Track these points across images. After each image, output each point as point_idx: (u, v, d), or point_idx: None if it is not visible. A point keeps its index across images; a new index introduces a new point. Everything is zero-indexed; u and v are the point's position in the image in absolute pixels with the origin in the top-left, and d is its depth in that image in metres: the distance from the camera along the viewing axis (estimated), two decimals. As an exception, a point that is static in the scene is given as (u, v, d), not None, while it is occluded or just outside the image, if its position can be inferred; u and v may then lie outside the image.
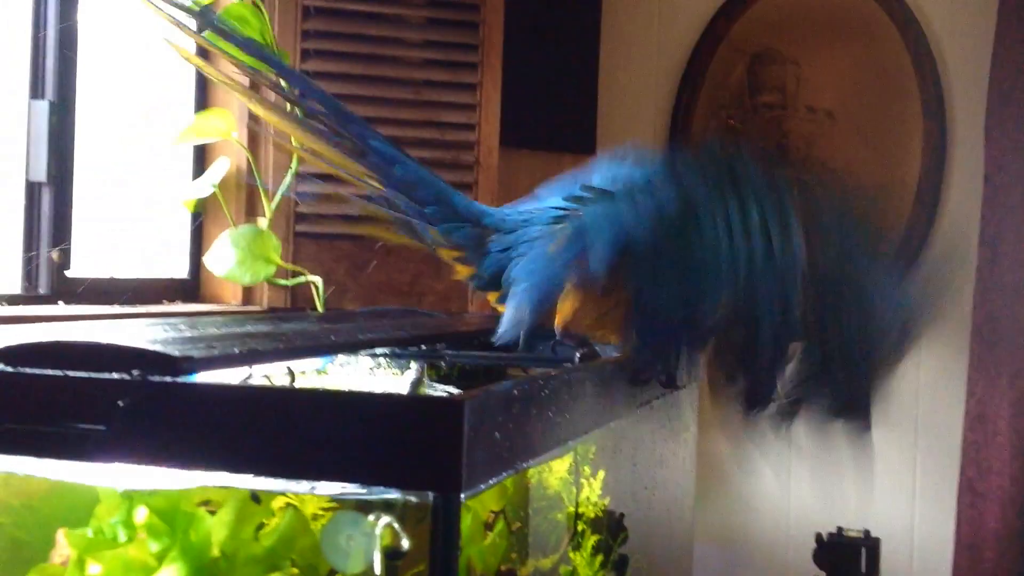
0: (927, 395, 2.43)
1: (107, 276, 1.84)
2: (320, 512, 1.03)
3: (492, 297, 1.17)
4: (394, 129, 2.01)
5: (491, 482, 0.76)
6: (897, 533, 2.41)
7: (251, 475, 0.73)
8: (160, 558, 0.91)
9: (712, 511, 2.52)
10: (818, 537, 2.23)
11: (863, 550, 2.18)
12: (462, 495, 0.71)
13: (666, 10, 2.62)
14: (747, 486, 2.56)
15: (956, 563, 2.28)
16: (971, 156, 2.36)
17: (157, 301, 1.92)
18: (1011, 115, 2.21)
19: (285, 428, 0.73)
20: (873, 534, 2.21)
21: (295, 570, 0.98)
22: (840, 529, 2.24)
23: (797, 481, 2.52)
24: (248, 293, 2.02)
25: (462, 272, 1.18)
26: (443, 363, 1.49)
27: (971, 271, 2.28)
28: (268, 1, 1.95)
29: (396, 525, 0.76)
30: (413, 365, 1.50)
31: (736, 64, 2.54)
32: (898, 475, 2.45)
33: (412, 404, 0.72)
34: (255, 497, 0.92)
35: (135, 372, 0.76)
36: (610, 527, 1.31)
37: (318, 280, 1.92)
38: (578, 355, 1.07)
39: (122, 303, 1.81)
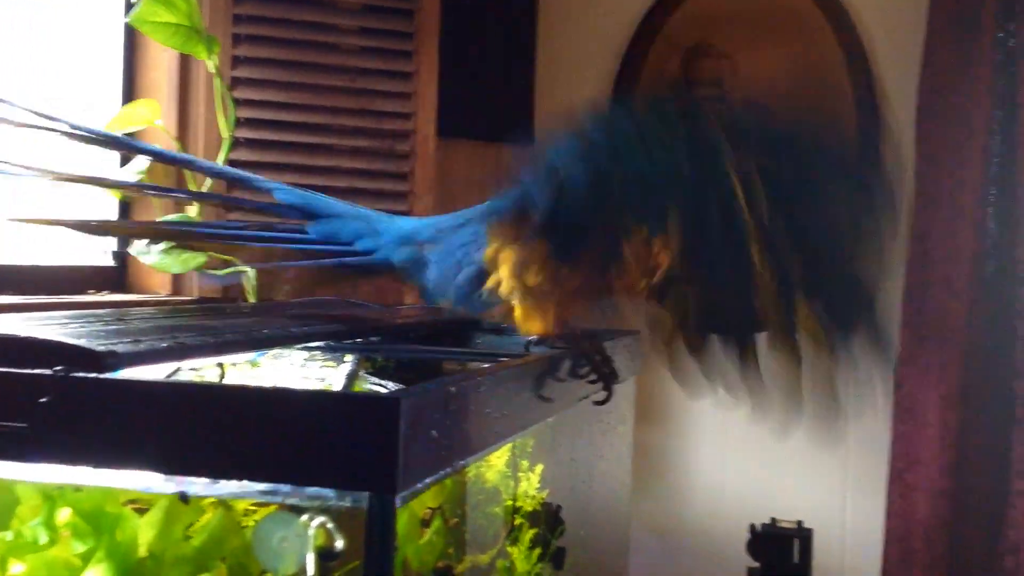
0: (858, 386, 2.45)
1: (28, 264, 1.78)
2: (251, 508, 1.01)
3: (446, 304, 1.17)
4: (328, 117, 1.98)
5: (428, 481, 0.74)
6: (829, 524, 2.44)
7: (180, 475, 0.71)
8: (86, 559, 0.88)
9: (648, 502, 2.53)
10: (752, 528, 2.24)
11: (796, 541, 2.21)
12: (398, 496, 0.69)
13: (603, 1, 2.62)
14: (682, 477, 2.58)
15: (886, 553, 2.32)
16: (902, 151, 2.39)
17: (82, 290, 1.87)
18: (942, 112, 2.24)
19: (215, 426, 0.71)
20: (806, 525, 2.23)
21: (225, 570, 0.96)
22: (774, 520, 2.26)
23: (732, 472, 2.54)
24: (178, 283, 1.97)
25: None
26: (378, 357, 1.47)
27: (902, 265, 2.31)
28: (199, -16, 1.91)
29: (330, 525, 0.74)
30: (348, 358, 1.48)
31: (672, 57, 2.54)
32: (829, 467, 2.48)
33: (347, 402, 0.70)
34: (183, 497, 0.90)
35: (58, 368, 0.73)
36: (547, 520, 1.30)
37: (250, 271, 1.88)
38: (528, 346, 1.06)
39: (45, 292, 1.76)
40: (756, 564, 2.24)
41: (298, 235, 1.24)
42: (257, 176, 1.30)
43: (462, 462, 0.82)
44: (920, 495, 2.24)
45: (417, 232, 1.18)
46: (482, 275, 1.08)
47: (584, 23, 2.62)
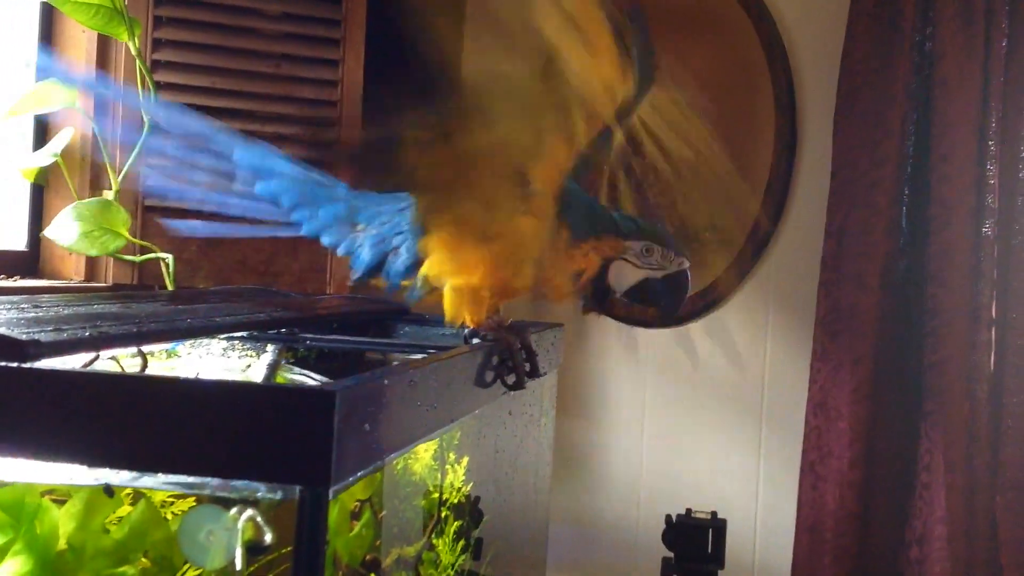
0: (772, 382, 2.50)
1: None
2: (168, 500, 0.99)
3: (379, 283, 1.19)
4: (251, 103, 1.95)
5: (359, 475, 0.74)
6: (742, 514, 2.48)
7: (107, 467, 0.69)
8: (3, 552, 0.86)
9: (566, 493, 2.55)
10: (668, 518, 2.27)
11: (710, 531, 2.24)
12: (331, 489, 0.69)
13: (530, -6, 2.62)
14: (599, 468, 2.60)
15: (797, 543, 2.36)
16: (820, 150, 2.44)
17: (-7, 275, 1.82)
18: (859, 112, 2.29)
19: (144, 418, 0.69)
20: (720, 515, 2.27)
21: (147, 563, 0.94)
22: (689, 511, 2.29)
23: (648, 463, 2.57)
24: (91, 269, 1.93)
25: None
26: (300, 347, 1.45)
27: (817, 262, 2.35)
28: (119, -36, 1.86)
29: (259, 519, 0.73)
30: (269, 348, 1.46)
31: (598, 51, 2.55)
32: (744, 459, 2.52)
33: (280, 394, 0.70)
34: (108, 490, 0.88)
35: (-22, 358, 0.71)
36: (467, 511, 1.30)
37: (168, 257, 1.85)
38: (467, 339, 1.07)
39: (-46, 277, 1.71)
40: (671, 554, 2.27)
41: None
42: (221, 132, 1.28)
43: (393, 455, 0.81)
44: (831, 486, 2.29)
45: (355, 213, 1.19)
46: (417, 264, 1.10)
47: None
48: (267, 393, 0.70)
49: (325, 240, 1.25)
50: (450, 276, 1.09)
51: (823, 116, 2.43)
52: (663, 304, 1.16)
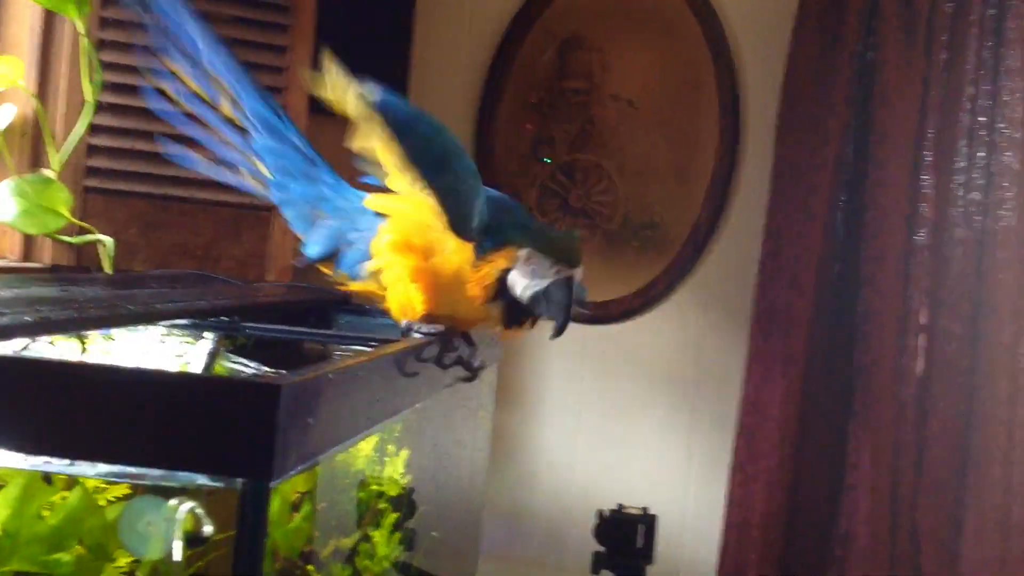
0: (706, 381, 2.54)
1: None
2: (101, 486, 0.99)
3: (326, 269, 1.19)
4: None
5: (300, 468, 0.75)
6: (672, 510, 2.52)
7: (47, 456, 0.69)
8: (-66, 538, 0.85)
9: (500, 485, 2.56)
10: (599, 513, 2.30)
11: (640, 526, 2.28)
12: (272, 482, 0.69)
13: (480, -13, 2.63)
14: (532, 462, 2.62)
15: (725, 539, 2.40)
16: (762, 153, 2.47)
17: (-74, 252, 1.78)
18: (801, 116, 2.33)
19: (86, 407, 0.69)
20: (650, 511, 2.30)
21: (82, 550, 0.94)
22: (620, 506, 2.32)
23: (581, 458, 2.60)
24: (28, 248, 1.90)
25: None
26: (240, 336, 1.45)
27: (754, 263, 2.39)
28: (65, -60, 1.83)
29: (199, 510, 0.73)
30: (207, 335, 1.46)
31: (547, 48, 2.57)
32: (675, 456, 2.56)
33: (224, 387, 0.70)
34: (47, 478, 0.87)
35: (-83, 342, 0.71)
36: (404, 503, 1.31)
37: (108, 240, 1.82)
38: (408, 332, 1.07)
39: None
40: (602, 548, 2.30)
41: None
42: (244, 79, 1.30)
43: (335, 448, 0.82)
44: (760, 485, 2.34)
45: (324, 201, 1.19)
46: (365, 258, 1.11)
47: (462, 8, 2.62)
48: (211, 385, 0.70)
49: (287, 213, 1.25)
50: (391, 282, 1.10)
51: (767, 119, 2.46)
52: (547, 316, 1.10)
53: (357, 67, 2.37)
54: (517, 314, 1.08)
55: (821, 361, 2.34)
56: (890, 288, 2.26)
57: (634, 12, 2.55)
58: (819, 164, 2.30)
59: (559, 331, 1.07)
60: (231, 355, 1.48)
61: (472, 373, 1.16)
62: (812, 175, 2.32)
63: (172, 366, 1.41)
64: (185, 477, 0.72)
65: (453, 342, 1.12)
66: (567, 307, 1.07)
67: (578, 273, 1.09)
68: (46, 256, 1.90)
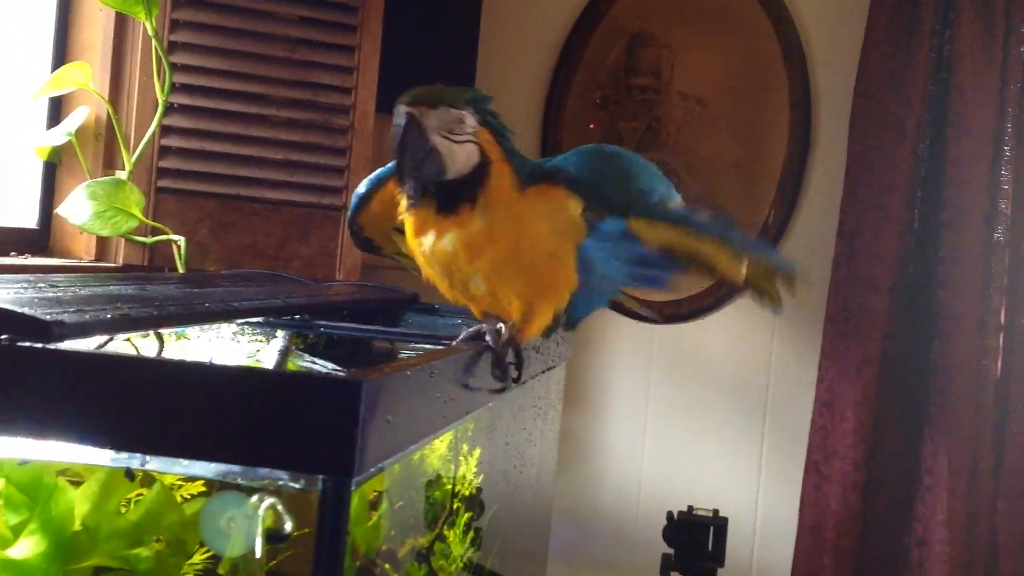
0: (778, 380, 2.50)
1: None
2: (177, 482, 0.99)
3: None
4: (266, 87, 1.94)
5: (381, 466, 0.74)
6: (744, 513, 2.48)
7: (130, 452, 0.69)
8: (17, 531, 0.86)
9: (568, 486, 2.55)
10: (669, 515, 2.28)
11: (711, 528, 2.24)
12: (354, 479, 0.68)
13: (547, -16, 2.62)
14: (601, 462, 2.60)
15: (798, 542, 2.37)
16: (834, 151, 2.43)
17: (3, 252, 1.81)
18: (874, 113, 2.28)
19: (169, 403, 0.69)
20: (721, 513, 2.27)
21: (160, 545, 0.94)
22: (690, 508, 2.29)
23: (650, 459, 2.57)
24: (102, 249, 1.93)
25: None
26: (312, 334, 1.45)
27: (828, 263, 2.35)
28: (139, -56, 1.85)
29: (279, 507, 0.73)
30: (279, 333, 1.46)
31: (614, 44, 2.55)
32: (747, 457, 2.53)
33: (306, 383, 0.69)
34: (129, 474, 0.88)
35: (4, 337, 0.71)
36: (474, 503, 1.30)
37: (181, 239, 1.84)
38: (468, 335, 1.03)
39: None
40: (671, 550, 2.28)
41: None
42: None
43: (413, 446, 0.81)
44: (834, 487, 2.30)
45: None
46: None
47: (529, 6, 2.61)
48: (293, 381, 0.70)
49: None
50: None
51: (838, 116, 2.42)
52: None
53: (424, 66, 2.39)
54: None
55: (897, 362, 2.30)
56: (968, 288, 2.21)
57: (703, 8, 2.52)
58: (894, 161, 2.26)
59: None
60: (302, 353, 1.49)
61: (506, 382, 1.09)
62: (887, 173, 2.27)
63: (246, 364, 1.42)
64: (266, 474, 0.71)
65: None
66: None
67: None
68: (119, 256, 1.92)
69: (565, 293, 1.05)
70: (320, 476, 0.69)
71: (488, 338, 1.00)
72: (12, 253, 1.82)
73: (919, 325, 2.28)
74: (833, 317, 2.31)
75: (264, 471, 0.71)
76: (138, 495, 0.96)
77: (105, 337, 1.00)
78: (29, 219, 1.94)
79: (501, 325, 1.01)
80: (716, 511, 2.30)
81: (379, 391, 0.71)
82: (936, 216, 2.25)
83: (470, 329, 1.02)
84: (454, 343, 1.01)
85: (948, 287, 2.22)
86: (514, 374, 1.12)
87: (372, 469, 0.71)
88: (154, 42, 1.82)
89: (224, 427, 0.69)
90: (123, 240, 1.88)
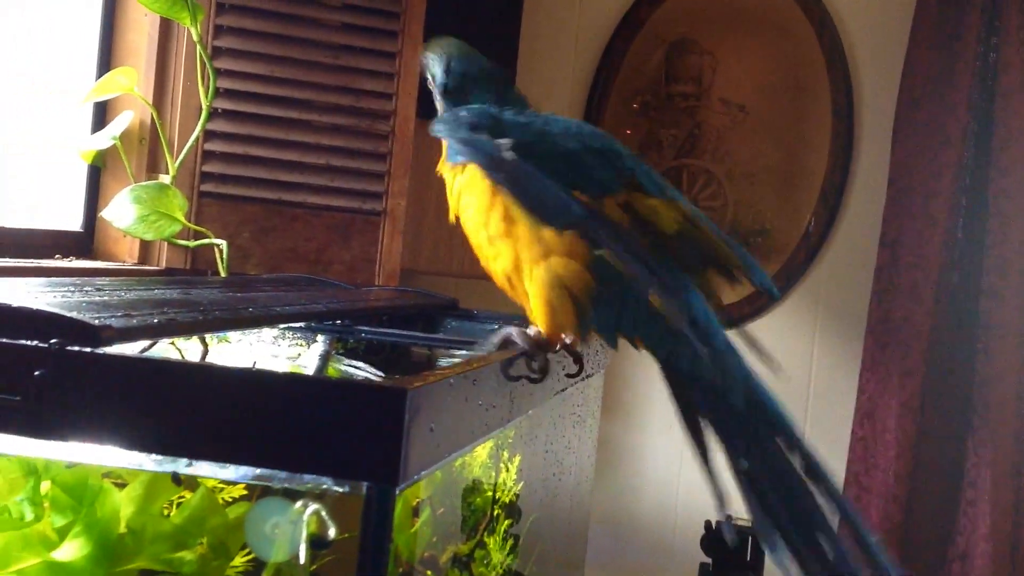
0: (819, 390, 2.48)
1: (-5, 226, 1.74)
2: (218, 485, 1.00)
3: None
4: (309, 92, 1.95)
5: (424, 473, 0.74)
6: (782, 522, 2.46)
7: (178, 457, 0.70)
8: (63, 533, 0.87)
9: (605, 493, 2.54)
10: (707, 524, 2.26)
11: (750, 538, 2.23)
12: (399, 487, 0.69)
13: (587, -9, 2.61)
14: (639, 470, 2.59)
15: (837, 553, 2.34)
16: (877, 158, 2.41)
17: (49, 255, 1.84)
18: (918, 121, 2.26)
19: (216, 408, 0.69)
20: (760, 523, 2.25)
21: (203, 549, 0.95)
22: (729, 517, 2.28)
23: (688, 467, 2.56)
24: (145, 252, 1.95)
25: None
26: (352, 339, 1.46)
27: (870, 271, 2.33)
28: (184, -50, 1.87)
29: (324, 513, 0.73)
30: (319, 338, 1.47)
31: (654, 51, 2.54)
32: (786, 466, 2.51)
33: (351, 390, 0.69)
34: (176, 478, 0.88)
35: (54, 341, 0.72)
36: (514, 510, 1.30)
37: (223, 243, 1.86)
38: (497, 342, 1.01)
39: (11, 255, 1.72)
40: (709, 560, 2.26)
41: None
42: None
43: (456, 453, 0.81)
44: (875, 499, 2.27)
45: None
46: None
47: (569, 11, 2.61)
48: (340, 389, 0.70)
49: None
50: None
51: (881, 124, 2.40)
52: None
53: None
54: None
55: (940, 373, 2.27)
56: (1013, 298, 2.18)
57: (744, 15, 2.50)
58: (939, 169, 2.23)
59: None
60: (342, 357, 1.49)
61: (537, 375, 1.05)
62: (931, 181, 2.25)
63: (287, 368, 1.42)
64: (310, 479, 0.71)
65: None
66: None
67: None
68: (161, 259, 1.94)
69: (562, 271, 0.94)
70: (364, 483, 0.69)
71: (519, 341, 0.98)
72: (57, 256, 1.84)
73: (962, 335, 2.26)
74: (875, 327, 2.29)
75: (309, 476, 0.72)
76: (180, 498, 0.97)
77: (149, 340, 1.01)
78: (74, 222, 1.96)
79: (530, 329, 0.98)
80: (755, 521, 2.28)
81: (423, 399, 0.71)
82: (981, 225, 2.23)
83: (494, 335, 0.99)
84: (484, 351, 0.99)
85: (992, 297, 2.19)
86: (573, 369, 1.11)
87: (417, 476, 0.72)
88: (198, 47, 1.84)
89: (270, 433, 0.69)
90: (166, 243, 1.90)
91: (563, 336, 0.97)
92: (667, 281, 0.94)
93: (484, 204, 0.98)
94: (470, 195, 1.00)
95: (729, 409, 0.97)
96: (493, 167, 0.96)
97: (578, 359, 1.12)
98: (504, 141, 0.97)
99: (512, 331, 0.97)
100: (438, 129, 1.03)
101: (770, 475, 0.93)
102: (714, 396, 0.98)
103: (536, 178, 0.95)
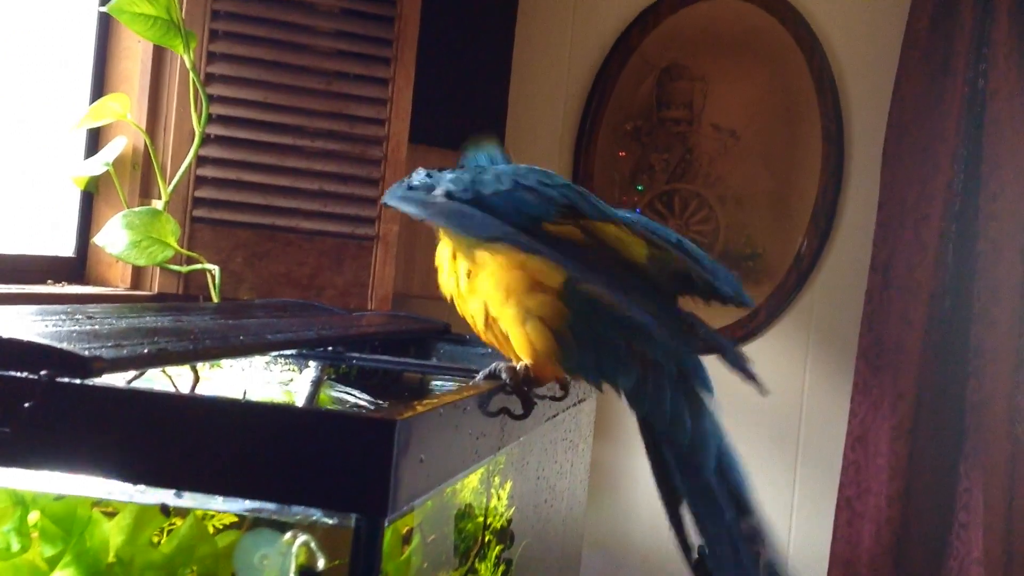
0: (810, 413, 2.48)
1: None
2: (209, 514, 1.00)
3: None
4: (302, 119, 1.96)
5: (414, 504, 0.74)
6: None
7: (166, 488, 0.70)
8: (52, 563, 0.87)
9: (598, 517, 2.54)
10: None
11: (742, 563, 2.22)
12: (387, 518, 0.69)
13: (580, 18, 2.63)
14: (630, 494, 2.59)
15: (830, 577, 2.34)
16: (868, 183, 2.42)
17: (41, 280, 1.84)
18: (908, 146, 2.27)
19: (204, 439, 0.70)
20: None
21: (193, 578, 0.95)
22: (721, 542, 2.27)
23: (681, 491, 2.55)
24: (137, 277, 1.95)
25: None
26: (344, 364, 1.46)
27: (861, 295, 2.33)
28: (178, -23, 1.88)
29: (313, 544, 0.73)
30: (311, 364, 1.47)
31: (646, 77, 2.56)
32: (778, 491, 2.51)
33: (339, 421, 0.70)
34: (165, 510, 0.88)
35: (44, 372, 0.72)
36: (505, 535, 1.30)
37: (215, 269, 1.86)
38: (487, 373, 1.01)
39: (3, 281, 1.72)
40: (702, 584, 2.26)
41: None
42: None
43: (445, 483, 0.81)
44: (867, 522, 2.27)
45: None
46: None
47: (561, 38, 2.62)
48: (328, 420, 0.70)
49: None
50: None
51: (871, 148, 2.41)
52: None
53: (457, 97, 2.40)
54: None
55: (931, 397, 2.27)
56: (1004, 322, 2.19)
57: (735, 41, 2.52)
58: (929, 194, 2.24)
59: None
60: (335, 383, 1.49)
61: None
62: (921, 205, 2.26)
63: (279, 395, 1.43)
64: (299, 509, 0.72)
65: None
66: None
67: None
68: (154, 284, 1.94)
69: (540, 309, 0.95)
70: (353, 515, 0.69)
71: (504, 376, 0.99)
72: (49, 281, 1.84)
73: (954, 360, 2.26)
74: (866, 351, 2.30)
75: (297, 508, 0.72)
76: (171, 526, 0.97)
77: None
78: (66, 247, 1.97)
79: (516, 364, 0.99)
80: (747, 545, 2.28)
81: (412, 430, 0.71)
82: (971, 250, 2.23)
83: (485, 369, 1.00)
84: (471, 382, 1.00)
85: (983, 321, 2.20)
86: (559, 393, 1.12)
87: (406, 507, 0.72)
88: (191, 74, 1.84)
89: (259, 464, 0.69)
90: (158, 268, 1.90)
91: (550, 367, 0.97)
92: (638, 301, 0.94)
93: (445, 257, 1.02)
94: (439, 258, 1.04)
95: (699, 474, 1.01)
96: (423, 208, 1.00)
97: (564, 384, 1.13)
98: (438, 191, 1.02)
99: (500, 366, 0.98)
100: (384, 199, 1.06)
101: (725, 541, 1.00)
102: (687, 460, 1.02)
103: (462, 209, 0.98)
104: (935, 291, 2.26)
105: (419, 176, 1.07)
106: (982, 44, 2.24)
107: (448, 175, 1.04)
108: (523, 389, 0.98)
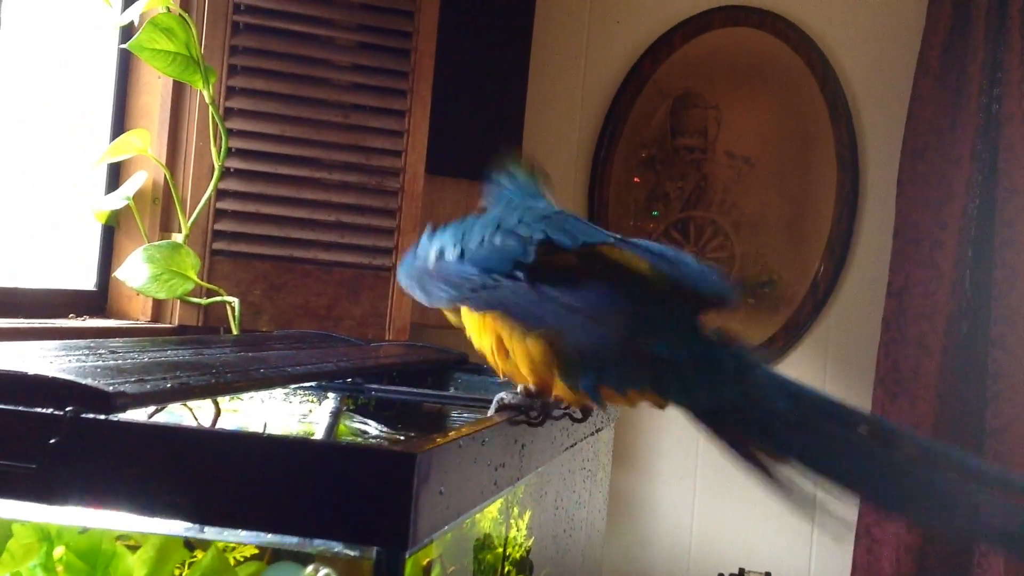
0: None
1: (8, 286, 1.76)
2: (230, 545, 1.00)
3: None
4: (319, 151, 1.98)
5: (434, 536, 0.75)
6: (795, 575, 2.45)
7: (189, 521, 0.71)
8: (77, 598, 0.88)
9: (617, 545, 2.53)
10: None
11: (763, 591, 2.22)
12: (408, 551, 0.69)
13: (594, 48, 2.64)
14: (651, 522, 2.58)
15: (850, 605, 2.33)
16: (882, 209, 2.43)
17: (63, 314, 1.85)
18: (923, 172, 2.28)
19: (227, 474, 0.71)
20: (773, 575, 2.24)
21: (215, 611, 0.95)
22: (742, 570, 2.27)
23: (700, 519, 2.55)
24: (158, 310, 1.96)
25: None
26: (363, 396, 1.47)
27: (878, 321, 2.33)
28: (197, 14, 1.91)
29: (334, 576, 0.74)
30: (330, 395, 1.48)
31: (659, 105, 2.57)
32: (798, 519, 2.49)
33: (360, 455, 0.70)
34: (188, 545, 0.89)
35: (69, 408, 0.73)
36: (524, 565, 1.30)
37: (235, 301, 1.88)
38: (501, 400, 1.02)
39: (25, 315, 1.74)
40: (722, 612, 2.25)
41: None
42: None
43: (465, 515, 0.82)
44: (887, 550, 2.26)
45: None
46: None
47: (575, 67, 2.64)
48: (348, 454, 0.71)
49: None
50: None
51: (886, 174, 2.42)
52: None
53: (473, 128, 2.42)
54: None
55: (950, 423, 2.27)
56: (1021, 348, 2.18)
57: (748, 69, 2.53)
58: (944, 220, 2.25)
59: None
60: (354, 414, 1.50)
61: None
62: (937, 231, 2.26)
63: (298, 427, 1.43)
64: (320, 542, 0.72)
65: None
66: None
67: None
68: (174, 316, 1.96)
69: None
70: (374, 547, 0.70)
71: (510, 401, 1.00)
72: (71, 315, 1.86)
73: (971, 386, 2.25)
74: (883, 377, 2.29)
75: (319, 540, 0.73)
76: (192, 559, 0.98)
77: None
78: (87, 281, 1.99)
79: (521, 387, 1.00)
80: (768, 573, 2.28)
81: (432, 463, 0.72)
82: (987, 275, 2.23)
83: (491, 406, 1.01)
84: (488, 414, 1.01)
85: (1001, 346, 2.19)
86: (578, 415, 1.13)
87: (426, 540, 0.72)
88: (211, 108, 1.87)
89: (280, 498, 0.70)
90: (178, 301, 1.92)
91: (551, 384, 0.97)
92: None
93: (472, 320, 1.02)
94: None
95: (775, 415, 0.92)
96: (405, 276, 1.05)
97: (586, 410, 1.13)
98: (431, 254, 1.04)
99: (502, 395, 1.00)
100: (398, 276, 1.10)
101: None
102: (753, 411, 0.94)
103: (438, 273, 1.01)
104: (952, 317, 2.26)
105: (424, 237, 1.08)
106: (995, 69, 2.25)
107: (448, 230, 1.05)
108: (536, 400, 1.00)
